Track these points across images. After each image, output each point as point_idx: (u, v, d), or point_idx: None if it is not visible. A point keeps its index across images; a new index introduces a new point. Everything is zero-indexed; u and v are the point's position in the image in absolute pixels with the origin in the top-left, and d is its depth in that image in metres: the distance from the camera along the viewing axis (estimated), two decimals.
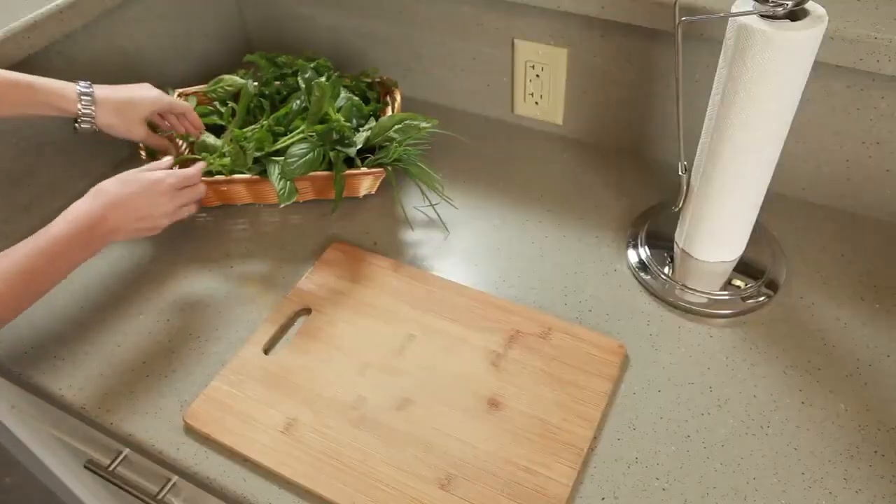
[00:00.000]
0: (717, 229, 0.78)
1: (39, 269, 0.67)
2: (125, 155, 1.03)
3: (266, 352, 0.75)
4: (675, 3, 0.67)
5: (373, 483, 0.63)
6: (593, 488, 0.63)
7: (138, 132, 0.85)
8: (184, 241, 0.90)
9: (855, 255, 0.83)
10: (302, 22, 1.14)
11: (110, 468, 0.81)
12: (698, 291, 0.79)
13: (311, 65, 1.00)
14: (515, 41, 0.97)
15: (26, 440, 1.06)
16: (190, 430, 0.69)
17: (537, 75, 0.98)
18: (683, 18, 0.65)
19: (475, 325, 0.76)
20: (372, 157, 0.90)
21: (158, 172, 0.77)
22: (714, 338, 0.75)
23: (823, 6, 0.64)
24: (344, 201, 0.94)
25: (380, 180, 0.94)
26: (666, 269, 0.81)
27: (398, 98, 0.98)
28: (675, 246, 0.84)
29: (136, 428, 0.70)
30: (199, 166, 0.83)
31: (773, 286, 0.79)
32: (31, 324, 0.80)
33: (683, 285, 0.79)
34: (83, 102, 0.79)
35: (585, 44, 0.92)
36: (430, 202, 0.93)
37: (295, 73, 0.99)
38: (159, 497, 0.79)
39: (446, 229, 0.90)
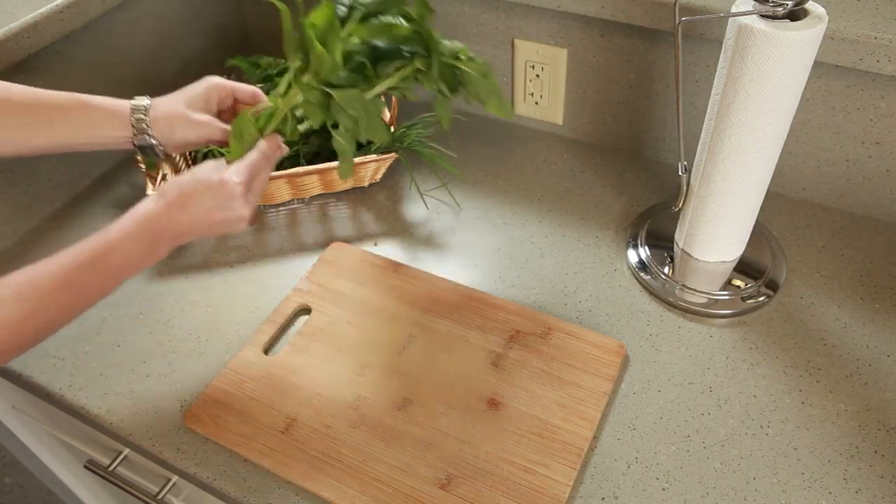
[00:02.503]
0: (717, 229, 0.78)
1: (85, 279, 0.59)
2: (125, 155, 1.03)
3: (266, 352, 0.75)
4: (675, 3, 0.67)
5: (373, 483, 0.63)
6: (593, 488, 0.63)
7: (201, 131, 0.70)
8: None
9: (855, 255, 0.83)
10: None
11: (110, 468, 0.81)
12: (698, 291, 0.79)
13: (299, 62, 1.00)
14: (515, 41, 0.97)
15: (26, 440, 1.06)
16: (190, 430, 0.69)
17: (537, 75, 0.98)
18: (683, 18, 0.65)
19: (475, 325, 0.76)
20: (381, 144, 0.90)
21: (228, 171, 0.64)
22: (714, 338, 0.75)
23: (823, 6, 0.64)
24: (344, 199, 0.94)
25: (385, 166, 0.94)
26: (666, 269, 0.81)
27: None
28: (675, 246, 0.84)
29: (136, 428, 0.70)
30: (268, 145, 0.67)
31: (773, 286, 0.79)
32: None
33: (683, 285, 0.79)
34: (135, 117, 0.69)
35: (585, 44, 0.92)
36: (441, 182, 0.94)
37: (280, 74, 0.99)
38: (159, 497, 0.79)
39: (459, 206, 0.91)
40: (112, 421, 0.71)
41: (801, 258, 0.83)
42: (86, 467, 0.82)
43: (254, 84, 0.98)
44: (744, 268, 0.81)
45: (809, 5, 0.63)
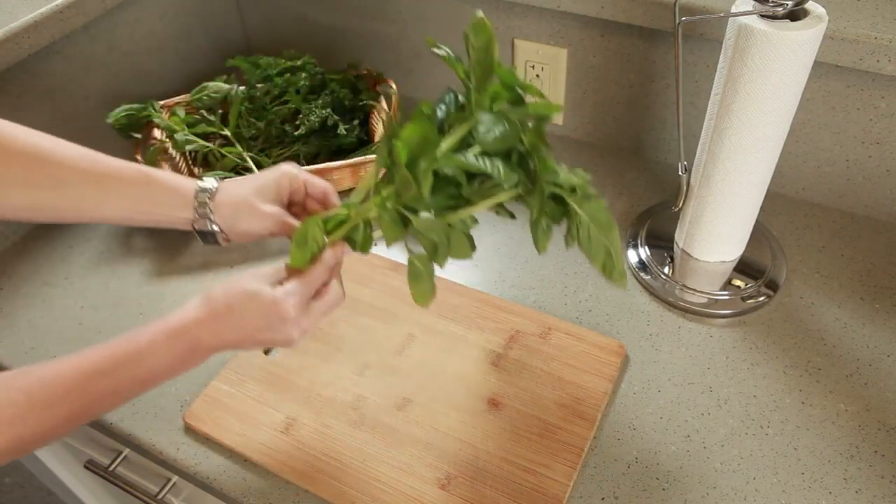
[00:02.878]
0: (717, 229, 0.78)
1: (103, 387, 0.53)
2: (122, 155, 1.03)
3: (266, 352, 0.75)
4: (675, 3, 0.67)
5: (373, 483, 0.63)
6: (593, 488, 0.63)
7: (267, 224, 0.63)
8: (185, 240, 0.90)
9: (855, 255, 0.83)
10: (302, 22, 1.14)
11: (110, 468, 0.81)
12: (698, 291, 0.79)
13: (298, 62, 1.00)
14: (515, 41, 0.97)
15: None
16: (190, 430, 0.69)
17: (537, 75, 0.98)
18: (683, 18, 0.65)
19: (475, 325, 0.76)
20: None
21: (283, 290, 0.56)
22: (714, 338, 0.75)
23: (823, 6, 0.64)
24: (344, 197, 0.94)
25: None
26: (666, 269, 0.81)
27: (393, 87, 0.98)
28: (675, 246, 0.84)
29: (136, 428, 0.70)
30: (333, 255, 0.59)
31: (773, 286, 0.79)
32: (31, 324, 0.80)
33: (683, 285, 0.79)
34: (198, 200, 0.62)
35: (585, 44, 0.92)
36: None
37: (280, 74, 0.99)
38: (159, 497, 0.79)
39: None
40: (112, 421, 0.71)
41: (801, 258, 0.83)
42: (86, 467, 0.82)
43: (257, 79, 0.99)
44: (744, 268, 0.81)
45: (809, 5, 0.63)
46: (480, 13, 0.53)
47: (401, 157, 0.52)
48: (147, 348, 0.54)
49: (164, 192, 0.62)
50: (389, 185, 0.55)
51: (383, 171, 0.56)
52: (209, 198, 0.62)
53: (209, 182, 0.63)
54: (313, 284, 0.57)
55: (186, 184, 0.63)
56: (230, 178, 0.65)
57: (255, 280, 0.56)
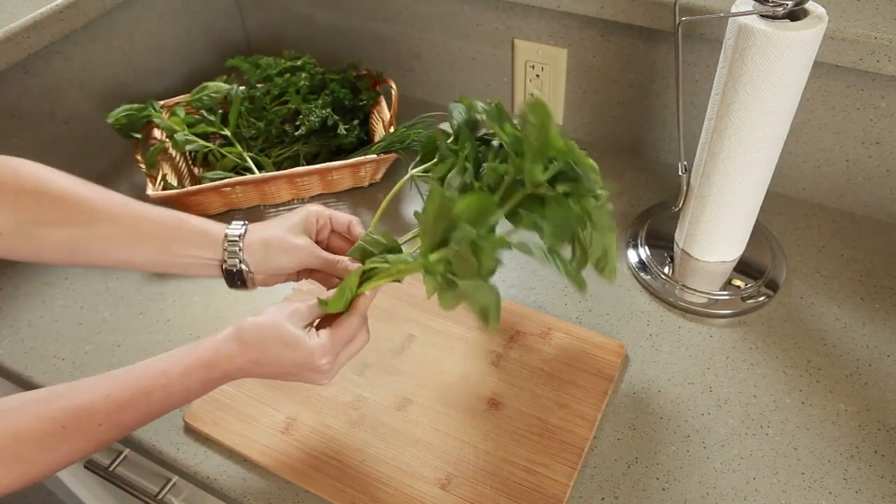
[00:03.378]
0: (717, 229, 0.78)
1: (131, 416, 0.54)
2: (124, 155, 1.03)
3: None
4: (675, 3, 0.67)
5: (373, 483, 0.63)
6: (593, 488, 0.63)
7: (298, 258, 0.63)
8: None
9: (855, 255, 0.83)
10: (302, 22, 1.14)
11: (110, 468, 0.81)
12: (698, 291, 0.79)
13: (298, 62, 1.00)
14: (515, 41, 0.97)
15: None
16: (190, 430, 0.69)
17: (537, 75, 0.98)
18: (683, 18, 0.65)
19: (475, 325, 0.76)
20: (382, 144, 0.90)
21: (320, 347, 0.57)
22: (714, 338, 0.75)
23: (823, 6, 0.64)
24: (344, 199, 0.94)
25: (386, 166, 0.94)
26: (666, 269, 0.81)
27: (393, 87, 0.98)
28: (675, 246, 0.84)
29: None
30: (367, 303, 0.60)
31: (773, 286, 0.79)
32: (31, 324, 0.80)
33: (683, 285, 0.79)
34: (229, 240, 0.62)
35: (585, 44, 0.92)
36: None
37: (280, 74, 0.99)
38: (159, 497, 0.79)
39: None
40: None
41: (801, 258, 0.83)
42: (86, 467, 0.82)
43: (258, 79, 0.99)
44: (744, 268, 0.81)
45: (809, 5, 0.63)
46: (538, 93, 0.54)
47: (461, 237, 0.52)
48: (179, 381, 0.55)
49: (194, 233, 0.62)
50: (439, 249, 0.54)
51: (429, 241, 0.55)
52: (240, 237, 0.62)
53: (236, 225, 0.63)
54: (348, 337, 0.59)
55: (216, 226, 0.63)
56: (251, 223, 0.65)
57: (291, 323, 0.57)
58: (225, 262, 0.62)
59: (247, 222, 0.64)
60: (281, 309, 0.58)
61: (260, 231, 0.63)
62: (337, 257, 0.64)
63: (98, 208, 0.60)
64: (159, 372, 0.55)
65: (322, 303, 0.59)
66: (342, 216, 0.67)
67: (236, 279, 0.63)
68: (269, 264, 0.63)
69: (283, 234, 0.63)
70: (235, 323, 0.58)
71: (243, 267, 0.62)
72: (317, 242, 0.65)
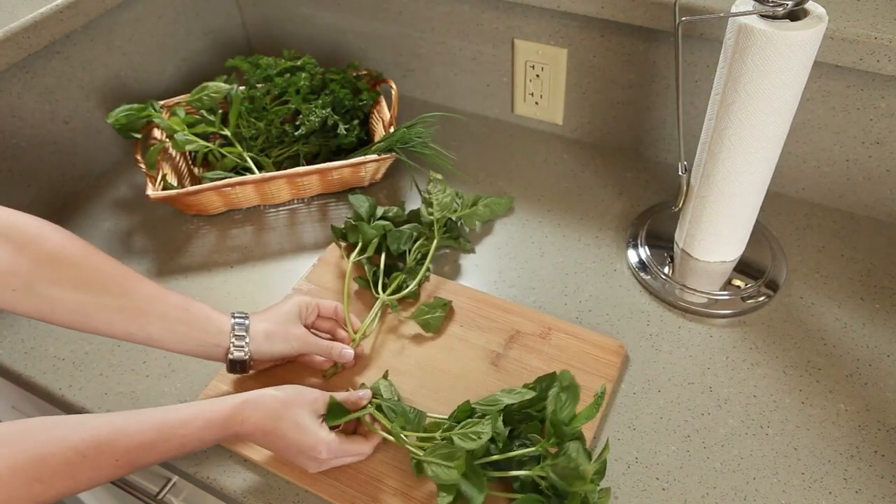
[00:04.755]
0: (717, 229, 0.78)
1: (151, 458, 0.58)
2: (124, 156, 1.03)
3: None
4: (675, 3, 0.67)
5: (373, 483, 0.63)
6: None
7: (297, 345, 0.69)
8: (185, 240, 0.90)
9: (855, 255, 0.83)
10: (302, 22, 1.14)
11: None
12: (698, 291, 0.79)
13: (298, 62, 1.00)
14: (515, 41, 0.97)
15: None
16: None
17: (537, 75, 0.98)
18: (683, 18, 0.65)
19: (475, 325, 0.76)
20: (382, 144, 0.90)
21: (327, 443, 0.61)
22: (714, 338, 0.75)
23: (823, 6, 0.64)
24: (344, 199, 0.94)
25: (386, 166, 0.94)
26: (666, 269, 0.81)
27: (393, 87, 0.98)
28: (675, 246, 0.84)
29: None
30: (367, 448, 0.65)
31: (773, 286, 0.79)
32: (31, 324, 0.80)
33: (683, 285, 0.79)
34: (236, 332, 0.67)
35: (585, 44, 0.92)
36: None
37: (280, 74, 0.99)
38: (159, 497, 0.79)
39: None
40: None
41: (801, 258, 0.83)
42: None
43: (258, 79, 0.99)
44: (744, 268, 0.81)
45: (809, 5, 0.63)
46: (570, 374, 0.62)
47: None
48: (196, 433, 0.59)
49: (204, 318, 0.66)
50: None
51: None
52: (245, 329, 0.67)
53: (241, 316, 0.68)
54: (354, 452, 0.64)
55: (221, 315, 0.67)
56: (251, 315, 0.70)
57: (306, 412, 0.62)
58: (231, 352, 0.66)
59: (247, 314, 0.68)
60: (301, 393, 0.63)
61: (262, 323, 0.68)
62: (331, 343, 0.71)
63: (112, 280, 0.63)
64: (179, 422, 0.58)
65: (332, 410, 0.64)
66: (328, 304, 0.74)
67: (237, 367, 0.67)
68: (271, 350, 0.68)
69: (287, 326, 0.69)
70: (258, 391, 0.62)
71: (245, 357, 0.67)
72: (306, 326, 0.72)
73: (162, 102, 0.98)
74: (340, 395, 0.65)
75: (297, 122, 0.96)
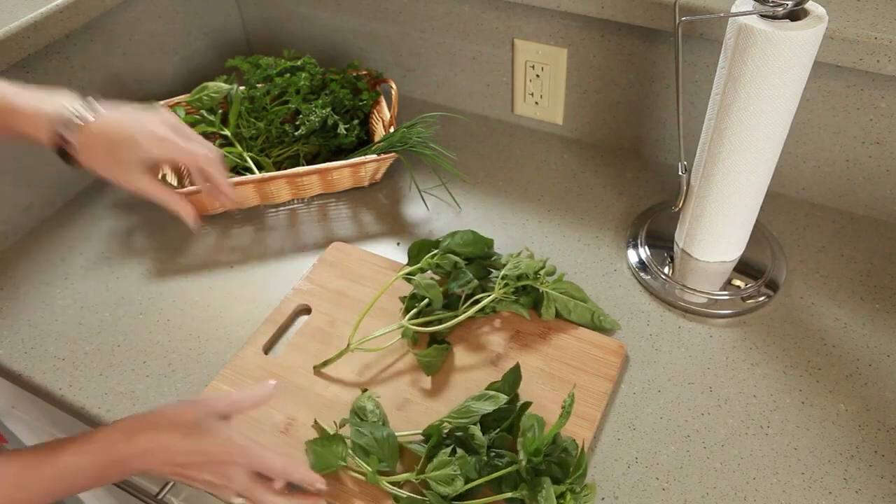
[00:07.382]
0: (717, 229, 0.78)
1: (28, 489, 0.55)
2: None
3: (266, 352, 0.75)
4: (675, 3, 0.67)
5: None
6: None
7: (131, 181, 0.64)
8: (184, 240, 0.90)
9: (855, 255, 0.83)
10: (301, 22, 1.14)
11: None
12: (698, 291, 0.79)
13: (298, 62, 1.00)
14: (515, 41, 0.97)
15: (26, 440, 1.06)
16: None
17: (537, 75, 0.98)
18: (683, 18, 0.65)
19: (475, 325, 0.76)
20: (382, 144, 0.90)
21: (241, 444, 0.57)
22: (714, 338, 0.75)
23: (823, 6, 0.64)
24: (344, 199, 0.94)
25: (386, 166, 0.94)
26: (666, 269, 0.81)
27: (393, 87, 0.98)
28: (675, 246, 0.84)
29: None
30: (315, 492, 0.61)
31: (773, 286, 0.79)
32: (31, 324, 0.80)
33: (683, 285, 0.79)
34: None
35: (585, 44, 0.92)
36: (441, 182, 0.95)
37: (280, 74, 0.99)
38: (159, 497, 0.79)
39: (459, 207, 0.92)
40: (112, 421, 0.71)
41: (801, 258, 0.83)
42: None
43: (258, 79, 0.99)
44: (744, 268, 0.81)
45: (809, 5, 0.63)
46: (534, 416, 0.63)
47: None
48: (71, 468, 0.58)
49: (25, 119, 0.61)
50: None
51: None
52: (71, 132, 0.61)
53: (73, 110, 0.62)
54: (287, 473, 0.59)
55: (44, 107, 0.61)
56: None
57: (227, 403, 0.58)
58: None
59: (84, 110, 0.63)
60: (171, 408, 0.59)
61: (97, 141, 0.62)
62: (171, 194, 0.66)
63: None
64: (70, 474, 0.57)
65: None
66: (199, 154, 0.68)
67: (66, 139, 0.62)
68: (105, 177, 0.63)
69: (117, 172, 0.63)
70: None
71: (76, 165, 0.62)
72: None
73: (162, 102, 0.98)
74: (236, 395, 0.60)
75: (297, 122, 0.96)
